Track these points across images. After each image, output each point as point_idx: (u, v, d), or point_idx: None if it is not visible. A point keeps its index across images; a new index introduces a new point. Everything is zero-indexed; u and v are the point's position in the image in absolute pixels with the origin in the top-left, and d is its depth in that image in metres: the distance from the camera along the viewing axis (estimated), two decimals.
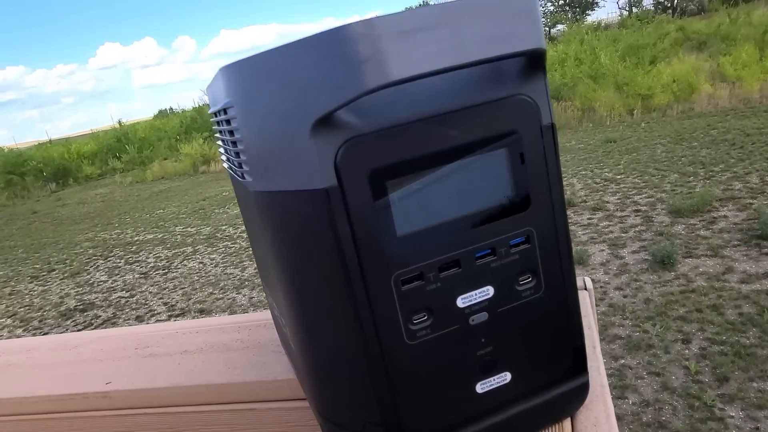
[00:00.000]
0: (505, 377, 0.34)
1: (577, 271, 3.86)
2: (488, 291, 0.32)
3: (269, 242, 0.33)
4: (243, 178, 0.33)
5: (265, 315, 0.56)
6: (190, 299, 4.93)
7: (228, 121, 0.33)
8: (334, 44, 0.26)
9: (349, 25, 0.25)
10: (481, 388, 0.33)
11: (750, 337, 2.80)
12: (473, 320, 0.32)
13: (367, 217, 0.29)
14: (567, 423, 0.36)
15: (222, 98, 0.32)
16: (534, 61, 0.31)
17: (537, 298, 0.33)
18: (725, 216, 4.27)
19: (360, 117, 0.28)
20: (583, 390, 0.37)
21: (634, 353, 2.88)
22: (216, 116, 0.33)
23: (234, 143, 0.33)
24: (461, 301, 0.32)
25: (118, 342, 0.60)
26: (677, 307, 3.19)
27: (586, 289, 0.48)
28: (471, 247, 0.31)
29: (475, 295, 0.32)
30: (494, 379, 0.33)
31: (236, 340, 0.54)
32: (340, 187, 0.28)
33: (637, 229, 4.38)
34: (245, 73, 0.30)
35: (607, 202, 5.10)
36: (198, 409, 0.47)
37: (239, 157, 0.33)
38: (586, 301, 0.46)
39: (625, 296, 3.44)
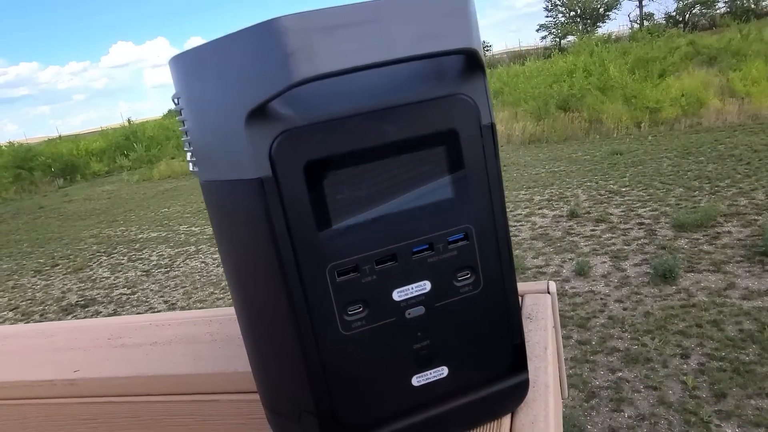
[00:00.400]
0: (442, 371, 0.34)
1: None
2: (425, 285, 0.32)
3: (216, 232, 0.34)
4: (193, 168, 0.34)
5: None
6: (190, 298, 4.95)
7: (180, 112, 0.33)
8: (265, 37, 0.26)
9: (280, 18, 0.26)
10: (417, 381, 0.33)
11: (749, 354, 2.77)
12: (409, 314, 0.32)
13: (302, 208, 0.29)
14: (507, 420, 0.36)
15: (174, 88, 0.33)
16: (473, 62, 0.31)
17: (475, 294, 0.34)
18: (729, 231, 4.24)
19: (296, 110, 0.28)
20: (522, 388, 0.37)
21: (632, 366, 2.86)
22: (175, 106, 0.34)
23: (186, 133, 0.34)
24: (397, 295, 0.32)
25: (92, 332, 0.60)
26: (677, 322, 3.17)
27: (549, 292, 0.48)
28: (408, 242, 0.31)
29: (412, 289, 0.32)
30: (431, 373, 0.33)
31: (206, 333, 0.54)
32: (275, 178, 0.28)
33: (639, 242, 4.36)
34: (187, 66, 0.31)
35: (611, 214, 5.08)
36: (162, 399, 0.48)
37: (189, 147, 0.34)
38: (547, 304, 0.46)
39: (625, 309, 3.42)
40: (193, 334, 0.54)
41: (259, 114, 0.28)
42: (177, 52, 0.32)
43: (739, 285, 3.43)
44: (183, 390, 0.47)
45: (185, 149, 0.34)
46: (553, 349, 0.43)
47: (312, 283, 0.30)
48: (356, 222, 0.30)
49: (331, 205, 0.30)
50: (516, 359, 0.36)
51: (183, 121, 0.33)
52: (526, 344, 0.38)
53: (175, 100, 0.33)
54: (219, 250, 0.35)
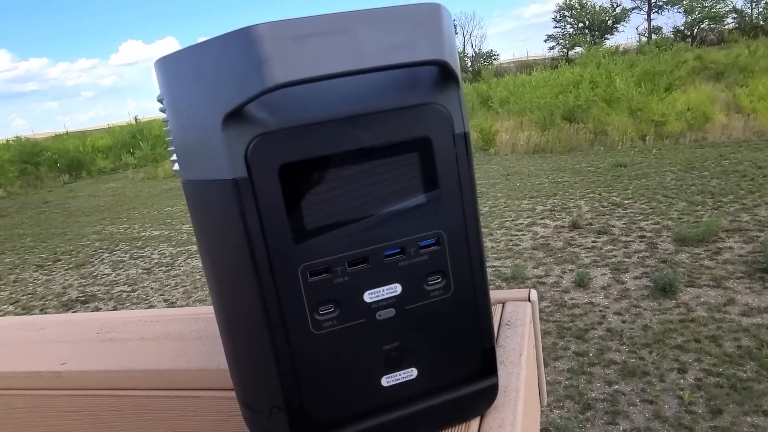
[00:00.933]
0: (411, 373, 0.34)
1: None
2: (396, 288, 0.33)
3: (195, 230, 0.35)
4: (175, 167, 0.35)
5: None
6: (190, 297, 4.96)
7: (164, 111, 0.35)
8: (241, 43, 0.27)
9: (256, 26, 0.27)
10: (386, 381, 0.34)
11: (747, 371, 2.76)
12: (380, 315, 0.33)
13: (276, 209, 0.30)
14: (476, 423, 0.37)
15: (158, 89, 0.34)
16: (446, 73, 0.32)
17: (446, 298, 0.34)
18: (731, 247, 4.23)
19: (272, 114, 0.29)
20: (491, 392, 0.37)
21: (629, 380, 2.85)
22: (160, 106, 0.35)
23: (169, 133, 0.35)
24: (368, 296, 0.32)
25: (81, 326, 0.61)
26: (675, 336, 3.16)
27: (530, 300, 0.48)
28: (380, 245, 0.32)
29: (383, 291, 0.33)
30: (400, 374, 0.34)
31: (192, 330, 0.55)
32: (250, 179, 0.29)
33: (640, 255, 4.35)
34: (169, 68, 0.32)
35: (613, 227, 5.07)
36: (146, 394, 0.48)
37: (171, 147, 0.35)
38: (527, 312, 0.46)
39: (623, 321, 3.41)
40: (180, 331, 0.55)
41: (236, 117, 0.29)
42: None
43: (739, 301, 3.42)
44: (167, 385, 0.48)
45: (169, 149, 0.35)
46: (530, 356, 0.43)
47: (284, 282, 0.31)
48: (329, 224, 0.31)
49: (305, 207, 0.30)
50: (485, 363, 0.37)
51: (166, 122, 0.34)
52: (503, 350, 0.38)
53: (160, 102, 0.34)
54: (198, 248, 0.35)
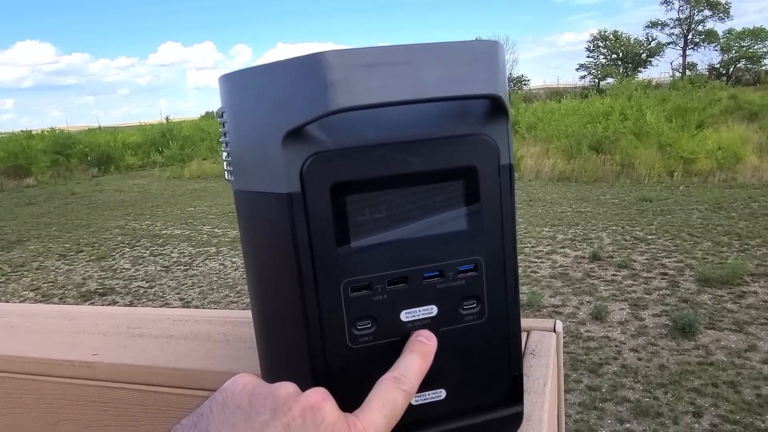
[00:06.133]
0: (440, 394, 0.35)
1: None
2: (432, 309, 0.34)
3: (242, 238, 0.36)
4: (229, 176, 0.37)
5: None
6: (205, 298, 5.01)
7: (223, 124, 0.36)
8: (308, 68, 0.29)
9: (323, 52, 0.29)
10: (415, 400, 0.34)
11: (766, 421, 2.68)
12: None
13: (325, 225, 0.31)
14: None
15: (220, 103, 0.36)
16: (497, 106, 0.33)
17: (479, 324, 0.35)
18: (755, 292, 4.13)
19: (329, 134, 0.31)
20: (515, 419, 0.38)
21: (641, 419, 2.78)
22: (219, 118, 0.37)
23: (226, 144, 0.37)
24: (405, 315, 0.33)
25: (112, 319, 0.62)
26: (692, 378, 3.08)
27: (555, 331, 0.48)
28: (419, 267, 0.33)
29: (419, 311, 0.34)
30: (429, 394, 0.35)
31: (219, 333, 0.56)
32: (303, 194, 0.31)
33: (661, 293, 4.27)
34: (235, 84, 0.34)
35: (634, 261, 4.99)
36: (170, 391, 0.49)
37: (227, 158, 0.36)
38: (552, 342, 0.47)
39: (639, 359, 3.34)
40: (208, 332, 0.56)
41: (296, 135, 0.30)
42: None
43: (761, 348, 3.33)
44: (192, 384, 0.49)
45: (224, 159, 0.37)
46: (553, 387, 0.43)
47: (327, 295, 0.32)
48: (373, 243, 0.32)
49: (352, 224, 0.32)
50: (513, 391, 0.37)
51: (225, 133, 0.36)
52: (527, 379, 0.39)
53: (220, 114, 0.36)
54: (243, 254, 0.37)
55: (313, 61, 0.29)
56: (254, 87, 0.32)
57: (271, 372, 0.38)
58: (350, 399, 0.30)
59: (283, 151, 0.30)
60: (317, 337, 0.32)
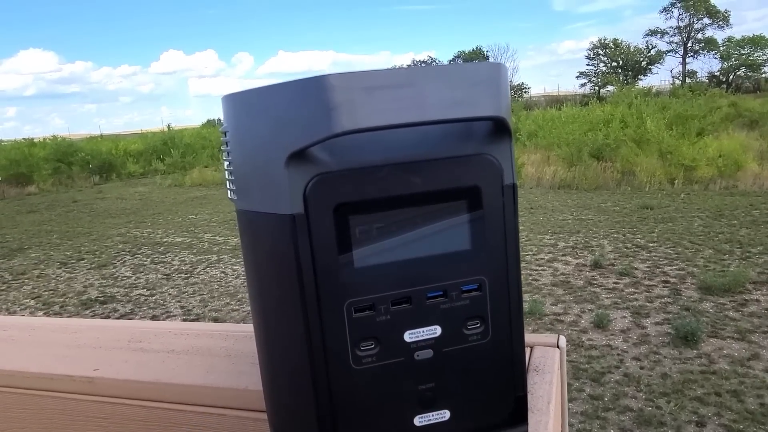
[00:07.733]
0: (444, 415, 0.35)
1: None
2: (435, 330, 0.34)
3: (245, 257, 0.36)
4: (232, 196, 0.36)
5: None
6: (206, 306, 5.00)
7: (226, 143, 0.36)
8: (312, 90, 0.29)
9: (327, 75, 0.29)
10: (419, 421, 0.34)
11: None
12: (418, 355, 0.34)
13: (328, 245, 0.31)
14: None
15: (223, 122, 0.36)
16: (500, 127, 0.33)
17: (483, 344, 0.35)
18: (758, 300, 4.12)
19: (332, 155, 0.31)
20: None
21: (644, 429, 2.77)
22: (222, 137, 0.37)
23: (229, 163, 0.37)
24: (408, 336, 0.33)
25: (113, 333, 0.62)
26: (695, 387, 3.07)
27: (558, 347, 0.48)
28: (423, 287, 0.33)
29: (423, 332, 0.34)
30: (433, 415, 0.35)
31: (221, 347, 0.56)
32: (306, 215, 0.31)
33: (663, 301, 4.26)
34: (238, 105, 0.34)
35: (636, 269, 4.98)
36: (172, 407, 0.49)
37: (230, 177, 0.36)
38: (555, 358, 0.46)
39: (642, 368, 3.32)
40: (209, 346, 0.56)
41: (299, 156, 0.31)
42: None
43: (764, 356, 3.32)
44: (194, 400, 0.49)
45: (226, 178, 0.37)
46: (557, 404, 0.43)
47: (330, 316, 0.32)
48: (377, 263, 0.32)
49: (355, 245, 0.32)
50: (517, 410, 0.37)
51: (228, 152, 0.36)
52: (530, 396, 0.38)
53: (223, 133, 0.36)
54: (246, 273, 0.37)
55: (317, 83, 0.29)
56: (258, 108, 0.33)
57: (274, 391, 0.37)
58: (354, 421, 0.30)
59: (287, 172, 0.30)
60: (320, 358, 0.32)
